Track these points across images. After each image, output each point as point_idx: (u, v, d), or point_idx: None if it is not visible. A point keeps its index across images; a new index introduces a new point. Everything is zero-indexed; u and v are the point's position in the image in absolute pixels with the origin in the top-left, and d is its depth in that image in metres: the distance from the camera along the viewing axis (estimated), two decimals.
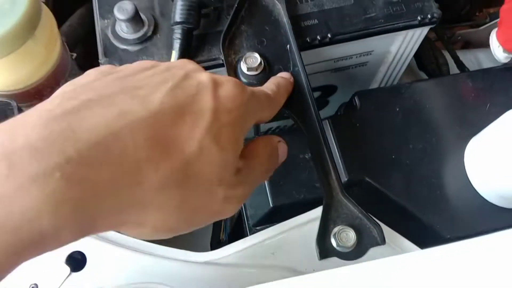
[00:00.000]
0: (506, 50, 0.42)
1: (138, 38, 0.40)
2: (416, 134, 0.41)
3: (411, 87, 0.43)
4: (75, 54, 0.52)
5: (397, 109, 0.42)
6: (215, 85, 0.24)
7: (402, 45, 0.45)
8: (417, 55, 0.60)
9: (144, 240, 0.24)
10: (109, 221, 0.21)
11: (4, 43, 0.36)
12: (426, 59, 0.61)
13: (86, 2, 0.57)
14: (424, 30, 0.43)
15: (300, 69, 0.36)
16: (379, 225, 0.32)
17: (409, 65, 0.63)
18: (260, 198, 0.40)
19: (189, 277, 0.26)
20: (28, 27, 0.37)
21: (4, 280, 0.34)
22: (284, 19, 0.39)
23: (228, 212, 0.26)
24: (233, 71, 0.37)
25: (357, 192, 0.40)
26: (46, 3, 0.48)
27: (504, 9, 0.43)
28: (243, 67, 0.36)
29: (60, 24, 0.49)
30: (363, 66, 0.48)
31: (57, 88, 0.44)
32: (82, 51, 0.57)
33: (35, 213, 0.18)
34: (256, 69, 0.36)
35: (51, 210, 0.18)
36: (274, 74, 0.36)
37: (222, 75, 0.27)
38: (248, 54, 0.36)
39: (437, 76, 0.60)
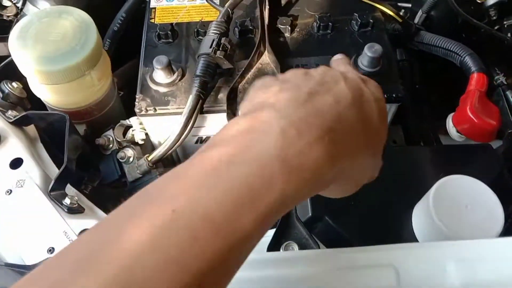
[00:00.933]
0: (458, 130, 0.50)
1: (168, 83, 0.53)
2: (375, 189, 0.49)
3: None
4: (122, 93, 0.65)
5: None
6: (363, 80, 0.30)
7: None
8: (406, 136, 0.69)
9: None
10: (343, 173, 0.27)
11: (68, 73, 0.49)
12: (413, 140, 0.69)
13: (137, 56, 0.72)
14: (392, 107, 0.53)
15: None
16: (318, 245, 0.40)
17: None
18: None
19: None
20: (88, 65, 0.50)
21: (23, 244, 0.44)
22: None
23: (370, 180, 0.33)
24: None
25: (320, 227, 0.48)
26: (108, 52, 0.62)
27: (462, 98, 0.52)
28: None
29: (116, 68, 0.63)
30: None
31: (102, 113, 0.56)
32: (127, 92, 0.71)
33: (320, 161, 0.24)
34: None
35: (328, 161, 0.25)
36: None
37: None
38: None
39: None
